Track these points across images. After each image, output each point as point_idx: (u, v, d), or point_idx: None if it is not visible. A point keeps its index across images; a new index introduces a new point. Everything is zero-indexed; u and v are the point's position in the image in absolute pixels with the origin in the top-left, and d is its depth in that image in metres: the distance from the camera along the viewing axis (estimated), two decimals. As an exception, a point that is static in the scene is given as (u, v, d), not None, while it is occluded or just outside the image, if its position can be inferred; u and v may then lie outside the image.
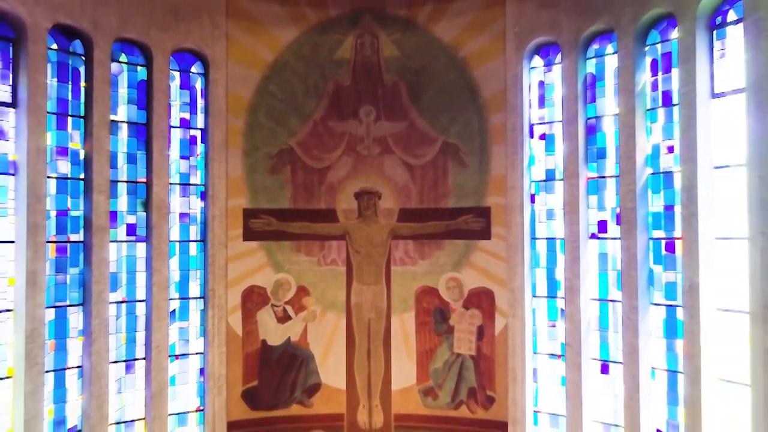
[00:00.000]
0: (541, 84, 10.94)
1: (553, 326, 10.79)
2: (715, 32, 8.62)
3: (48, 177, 9.28)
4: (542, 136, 10.95)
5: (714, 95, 8.64)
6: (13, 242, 9.00)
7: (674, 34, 9.11)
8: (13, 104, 9.02)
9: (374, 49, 11.48)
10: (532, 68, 10.95)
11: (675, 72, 9.14)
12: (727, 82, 8.52)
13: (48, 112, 9.29)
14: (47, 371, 9.33)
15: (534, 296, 10.92)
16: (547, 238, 10.86)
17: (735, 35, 8.34)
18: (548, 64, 10.83)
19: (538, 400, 10.85)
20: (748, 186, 7.76)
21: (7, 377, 8.95)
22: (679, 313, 9.03)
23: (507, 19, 10.82)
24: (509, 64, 10.87)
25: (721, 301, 8.54)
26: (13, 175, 9.04)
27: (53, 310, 9.51)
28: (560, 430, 10.54)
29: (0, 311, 8.93)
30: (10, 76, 9.04)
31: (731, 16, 8.43)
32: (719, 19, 8.57)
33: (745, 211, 7.83)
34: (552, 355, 10.75)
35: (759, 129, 7.57)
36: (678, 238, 9.04)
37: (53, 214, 9.52)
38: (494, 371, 11.05)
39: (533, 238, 10.94)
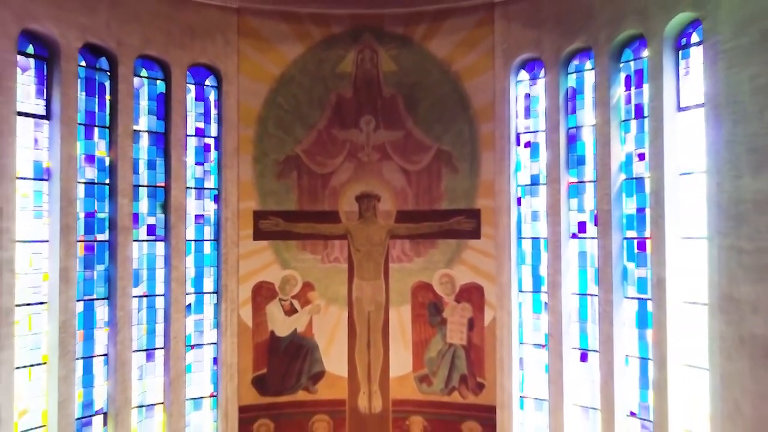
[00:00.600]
0: (527, 96, 11.51)
1: (537, 318, 11.34)
2: (680, 52, 9.29)
3: (77, 182, 9.93)
4: (527, 144, 11.51)
5: (680, 109, 9.31)
6: (47, 241, 9.66)
7: (645, 53, 9.76)
8: (47, 116, 9.71)
9: (374, 64, 11.96)
10: (518, 82, 11.51)
11: (646, 87, 9.79)
12: (691, 97, 9.17)
13: (77, 123, 9.95)
14: (77, 358, 9.97)
15: (520, 291, 11.45)
16: (531, 238, 11.43)
17: (698, 55, 8.96)
18: (533, 78, 11.41)
19: (524, 386, 11.41)
20: (707, 191, 8.44)
21: (43, 363, 9.62)
22: (650, 306, 9.66)
23: (495, 37, 11.33)
24: (497, 78, 11.40)
25: (686, 294, 9.19)
26: (47, 180, 9.71)
27: (82, 303, 10.13)
28: (543, 413, 11.10)
29: (36, 304, 9.59)
30: (44, 91, 9.71)
31: (694, 38, 9.09)
32: (684, 40, 9.25)
33: (705, 214, 8.56)
34: (536, 344, 11.31)
35: (715, 141, 8.23)
36: (648, 238, 9.69)
37: (82, 215, 10.15)
38: (484, 360, 11.54)
39: (519, 238, 11.48)
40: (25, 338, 9.43)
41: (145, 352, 10.98)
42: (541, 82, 11.27)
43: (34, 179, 9.62)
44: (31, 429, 9.48)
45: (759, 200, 7.54)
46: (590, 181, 10.67)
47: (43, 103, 9.71)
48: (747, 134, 7.71)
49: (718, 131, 8.23)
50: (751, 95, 7.64)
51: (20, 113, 9.23)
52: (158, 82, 11.13)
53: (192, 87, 11.50)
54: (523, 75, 11.53)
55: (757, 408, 7.63)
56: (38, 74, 9.66)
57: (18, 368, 9.14)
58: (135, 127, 10.74)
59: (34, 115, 9.60)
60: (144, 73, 11.00)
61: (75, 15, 9.66)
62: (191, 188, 11.44)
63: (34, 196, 9.64)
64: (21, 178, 9.29)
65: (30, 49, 9.53)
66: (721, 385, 8.22)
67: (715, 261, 8.29)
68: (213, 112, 11.73)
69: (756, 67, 7.56)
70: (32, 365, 9.54)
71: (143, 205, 10.95)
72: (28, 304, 9.51)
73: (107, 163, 10.51)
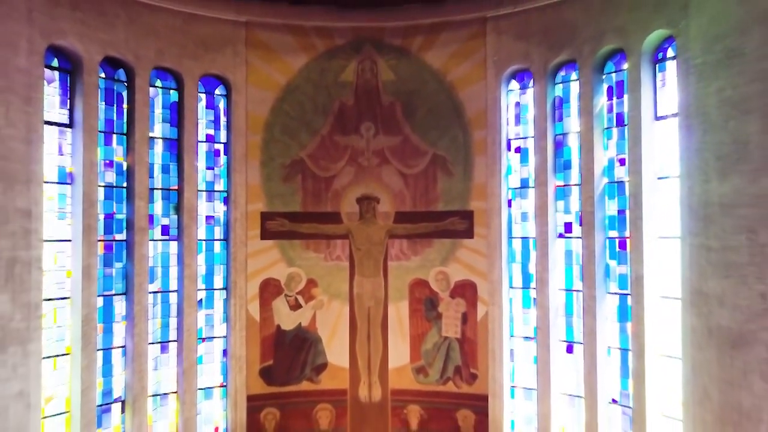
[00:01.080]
0: (517, 105, 12.02)
1: (527, 313, 11.82)
2: (657, 66, 9.92)
3: (98, 186, 10.45)
4: (517, 150, 12.02)
5: (657, 118, 9.92)
6: (70, 241, 10.21)
7: (625, 65, 10.32)
8: (70, 125, 10.28)
9: (373, 74, 12.43)
10: (509, 91, 12.00)
11: (626, 97, 10.34)
12: (667, 108, 9.79)
13: (97, 131, 10.48)
14: (97, 350, 10.46)
15: (510, 287, 11.93)
16: (521, 237, 11.92)
17: (673, 69, 9.56)
18: (523, 88, 11.92)
19: (514, 376, 11.90)
20: (680, 194, 9.05)
21: (66, 354, 10.17)
22: (629, 300, 10.20)
23: (487, 49, 11.81)
24: (489, 88, 11.87)
25: (662, 289, 9.79)
26: (70, 184, 10.27)
27: (102, 298, 10.64)
28: (532, 401, 11.59)
29: (60, 299, 10.14)
30: (68, 101, 10.28)
31: (670, 53, 9.70)
32: (660, 55, 9.86)
33: (678, 215, 9.16)
34: (526, 337, 11.80)
35: (687, 148, 8.84)
36: (628, 238, 10.25)
37: (101, 217, 10.64)
38: (476, 352, 11.98)
39: (510, 237, 11.97)
40: (50, 331, 9.94)
41: (159, 345, 11.46)
42: (530, 92, 11.77)
43: (58, 183, 10.17)
44: (57, 414, 10.06)
45: (724, 203, 8.13)
46: (575, 185, 11.19)
47: (66, 112, 10.25)
48: (714, 142, 8.30)
49: (689, 139, 8.83)
50: (717, 107, 8.24)
51: (46, 122, 9.72)
52: (171, 91, 11.64)
53: (203, 96, 11.98)
54: (514, 85, 12.02)
55: (723, 393, 8.20)
56: (62, 86, 10.21)
57: (44, 358, 9.64)
58: (150, 134, 11.24)
59: (58, 124, 10.15)
60: (158, 83, 11.52)
61: (96, 31, 10.22)
62: (202, 191, 11.93)
63: (59, 198, 10.16)
64: (47, 182, 9.78)
65: (55, 63, 10.08)
66: (692, 373, 8.82)
67: (687, 258, 8.90)
68: (223, 119, 12.22)
69: (721, 81, 8.15)
70: (57, 356, 10.09)
71: (158, 207, 11.45)
72: (54, 299, 10.05)
73: (125, 168, 11.03)
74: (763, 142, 7.53)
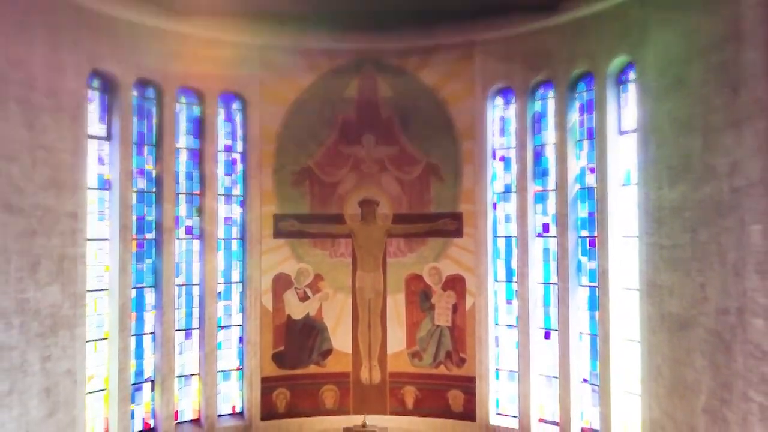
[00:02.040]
0: (501, 119, 13.00)
1: (509, 303, 12.81)
2: (621, 87, 10.97)
3: (131, 191, 11.42)
4: (501, 159, 13.00)
5: (620, 132, 10.97)
6: (108, 239, 11.23)
7: (594, 86, 11.39)
8: (107, 138, 11.32)
9: (373, 90, 13.29)
10: (494, 106, 12.95)
11: (595, 114, 11.39)
12: (629, 124, 10.81)
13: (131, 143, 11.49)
14: (131, 335, 11.46)
15: (495, 281, 12.89)
16: (505, 236, 12.89)
17: (634, 90, 10.57)
18: (506, 104, 12.90)
19: (499, 360, 12.85)
20: (638, 199, 10.15)
21: (105, 338, 11.21)
22: (598, 292, 11.24)
23: (475, 69, 12.74)
24: (477, 103, 12.80)
25: (624, 282, 10.81)
26: (108, 190, 11.29)
27: (135, 290, 11.62)
28: (514, 382, 12.59)
29: (99, 290, 11.16)
30: (106, 117, 11.32)
31: (631, 76, 10.73)
32: (623, 77, 10.92)
33: (637, 217, 10.25)
34: (509, 325, 12.77)
35: (645, 159, 9.92)
36: (596, 237, 11.27)
37: (134, 218, 11.58)
38: (465, 338, 12.89)
39: (494, 236, 12.92)
40: (91, 318, 10.94)
41: (184, 332, 12.43)
42: (512, 107, 12.74)
43: (98, 189, 11.17)
44: (97, 391, 11.11)
45: (674, 207, 9.21)
46: (552, 190, 12.16)
47: (104, 127, 11.27)
48: (665, 155, 9.39)
49: (646, 152, 9.90)
50: (668, 125, 9.31)
51: (88, 136, 10.72)
52: (194, 107, 12.63)
53: (221, 110, 12.91)
54: (498, 101, 12.98)
55: (672, 370, 9.28)
56: (101, 104, 11.23)
57: (87, 342, 10.64)
58: (176, 145, 12.21)
59: (97, 137, 11.16)
60: (183, 100, 12.48)
61: (131, 56, 11.26)
62: (221, 195, 12.87)
63: (98, 202, 11.16)
64: (88, 188, 10.75)
65: (95, 84, 11.11)
66: (648, 354, 9.89)
67: (643, 255, 9.97)
68: (239, 131, 13.16)
69: (672, 102, 9.23)
70: (97, 340, 11.10)
71: (183, 210, 12.40)
72: (94, 290, 11.02)
73: (154, 175, 12.03)
74: (703, 155, 8.58)
